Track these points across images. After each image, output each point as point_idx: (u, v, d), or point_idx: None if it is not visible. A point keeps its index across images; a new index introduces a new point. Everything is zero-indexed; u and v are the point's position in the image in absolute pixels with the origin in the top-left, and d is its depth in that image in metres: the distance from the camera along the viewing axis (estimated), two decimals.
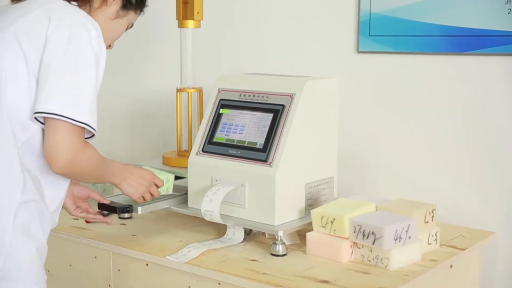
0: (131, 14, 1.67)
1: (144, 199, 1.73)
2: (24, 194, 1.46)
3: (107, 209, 1.82)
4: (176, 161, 2.00)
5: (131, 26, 1.72)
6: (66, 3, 1.54)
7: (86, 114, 1.44)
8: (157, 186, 1.75)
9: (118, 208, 1.78)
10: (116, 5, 1.62)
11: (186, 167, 1.85)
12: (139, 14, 1.71)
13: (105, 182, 1.69)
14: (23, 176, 1.46)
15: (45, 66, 1.43)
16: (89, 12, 1.57)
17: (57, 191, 1.56)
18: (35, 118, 1.44)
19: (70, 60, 1.44)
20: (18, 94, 1.45)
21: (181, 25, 2.00)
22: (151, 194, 1.74)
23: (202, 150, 1.82)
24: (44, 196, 1.52)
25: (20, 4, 1.55)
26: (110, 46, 1.68)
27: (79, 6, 1.56)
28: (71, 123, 1.42)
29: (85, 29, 1.46)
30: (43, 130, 1.46)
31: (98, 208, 1.81)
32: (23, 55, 1.45)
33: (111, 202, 1.82)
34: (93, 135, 1.49)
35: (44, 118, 1.43)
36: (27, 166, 1.48)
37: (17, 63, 1.45)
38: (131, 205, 1.79)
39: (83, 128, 1.45)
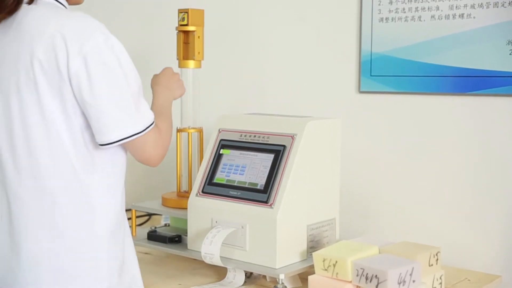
0: None
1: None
2: None
3: (156, 239, 1.92)
4: (175, 202, 1.98)
5: None
6: (52, 8, 1.49)
7: (145, 117, 1.48)
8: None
9: (168, 238, 1.91)
10: None
11: (186, 208, 1.83)
12: None
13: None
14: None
15: (83, 101, 1.41)
16: None
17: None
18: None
19: (103, 86, 1.41)
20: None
21: (181, 65, 2.00)
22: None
23: (202, 191, 1.80)
24: None
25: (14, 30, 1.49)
26: None
27: None
28: (142, 135, 1.47)
29: (93, 41, 1.41)
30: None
31: (148, 238, 1.95)
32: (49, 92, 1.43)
33: (159, 232, 1.95)
34: None
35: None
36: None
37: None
38: (180, 235, 1.91)
39: (153, 128, 1.50)
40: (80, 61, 1.40)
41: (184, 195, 2.00)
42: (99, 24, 1.46)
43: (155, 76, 1.78)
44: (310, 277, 1.66)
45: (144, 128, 1.47)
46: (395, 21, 2.05)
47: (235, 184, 1.76)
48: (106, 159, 1.50)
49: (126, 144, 1.48)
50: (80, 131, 1.45)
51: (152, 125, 1.49)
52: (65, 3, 1.55)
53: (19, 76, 1.44)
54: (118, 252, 1.52)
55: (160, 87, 1.74)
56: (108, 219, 1.49)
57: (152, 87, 1.75)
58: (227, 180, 1.78)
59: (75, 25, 1.43)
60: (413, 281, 1.57)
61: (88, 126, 1.46)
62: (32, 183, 1.45)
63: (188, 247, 1.83)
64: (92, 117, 1.43)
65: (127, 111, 1.45)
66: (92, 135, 1.46)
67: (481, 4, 1.91)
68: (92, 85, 1.40)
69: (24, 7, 1.48)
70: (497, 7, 1.88)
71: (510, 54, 1.87)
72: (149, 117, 1.49)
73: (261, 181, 1.72)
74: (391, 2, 2.05)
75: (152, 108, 1.60)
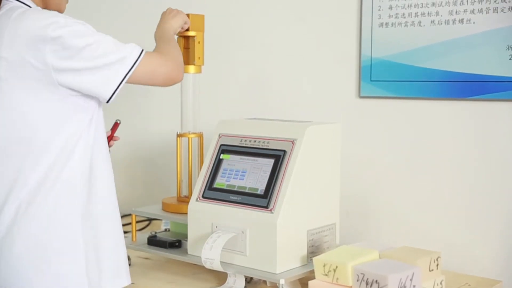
0: None
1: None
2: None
3: (156, 244, 1.91)
4: (175, 207, 1.98)
5: None
6: (17, 9, 1.53)
7: (134, 45, 1.55)
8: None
9: (168, 243, 1.89)
10: None
11: (186, 213, 1.83)
12: None
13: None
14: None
15: (72, 76, 1.47)
16: None
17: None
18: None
19: (79, 50, 1.47)
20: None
21: None
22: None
23: (202, 196, 1.80)
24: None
25: None
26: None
27: None
28: (141, 61, 1.53)
29: (55, 25, 1.46)
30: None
31: (148, 243, 1.94)
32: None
33: (159, 237, 1.95)
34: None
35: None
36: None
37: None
38: (180, 240, 1.90)
39: (145, 52, 1.56)
40: (50, 45, 1.45)
41: (184, 200, 2.00)
42: (56, 12, 1.53)
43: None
44: (310, 282, 1.66)
45: (135, 60, 1.53)
46: (395, 26, 2.05)
47: (235, 189, 1.76)
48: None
49: (136, 80, 1.55)
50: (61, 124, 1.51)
51: (142, 53, 1.55)
52: (30, 3, 1.58)
53: None
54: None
55: (156, 28, 1.82)
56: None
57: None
58: (227, 185, 1.78)
59: (33, 18, 1.49)
60: (414, 286, 1.56)
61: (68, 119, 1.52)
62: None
63: (188, 252, 1.83)
64: (85, 83, 1.49)
65: (111, 59, 1.50)
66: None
67: (481, 9, 1.91)
68: (71, 56, 1.46)
69: None
70: (497, 12, 1.89)
71: (510, 59, 1.87)
72: (133, 49, 1.54)
73: (261, 186, 1.72)
74: (391, 7, 2.05)
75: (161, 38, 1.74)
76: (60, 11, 1.65)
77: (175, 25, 1.85)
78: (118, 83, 1.52)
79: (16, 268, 1.48)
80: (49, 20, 1.47)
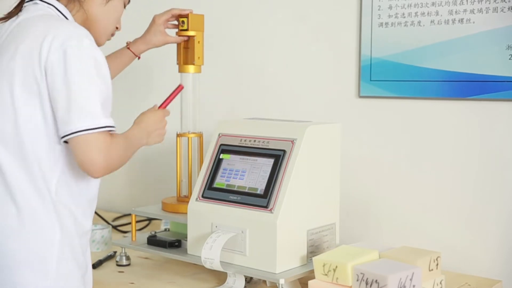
0: None
1: None
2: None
3: (156, 243, 1.91)
4: (175, 207, 1.98)
5: (128, 2, 1.72)
6: (52, 16, 1.55)
7: (102, 118, 1.46)
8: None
9: (168, 242, 1.89)
10: None
11: (186, 213, 1.83)
12: None
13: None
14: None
15: (52, 91, 1.45)
16: (80, 8, 1.59)
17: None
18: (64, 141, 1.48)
19: (72, 76, 1.45)
20: (36, 132, 1.48)
21: (181, 70, 2.00)
22: None
23: (202, 196, 1.80)
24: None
25: (9, 33, 1.55)
26: (117, 28, 1.70)
27: (67, 5, 1.58)
28: (90, 134, 1.44)
29: (77, 40, 1.47)
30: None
31: (148, 243, 1.93)
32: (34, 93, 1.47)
33: (159, 237, 1.94)
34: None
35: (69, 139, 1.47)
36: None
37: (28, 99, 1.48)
38: (180, 240, 1.90)
39: (104, 132, 1.47)
40: (60, 53, 1.44)
41: (184, 200, 2.00)
42: (87, 32, 1.51)
43: (143, 113, 1.70)
44: (310, 282, 1.66)
45: (100, 126, 1.46)
46: (394, 26, 2.05)
47: (235, 189, 1.76)
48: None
49: (75, 143, 1.46)
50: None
51: (108, 129, 1.47)
52: (68, 15, 1.59)
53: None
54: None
55: (140, 127, 1.65)
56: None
57: (134, 122, 1.67)
58: (227, 185, 1.78)
59: (63, 28, 1.50)
60: (413, 286, 1.56)
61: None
62: None
63: (188, 252, 1.83)
64: (59, 106, 1.45)
65: (92, 106, 1.46)
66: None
67: (481, 9, 1.91)
68: (66, 74, 1.44)
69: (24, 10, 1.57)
70: (497, 12, 1.89)
71: (509, 59, 1.87)
72: (108, 120, 1.48)
73: (261, 186, 1.72)
74: (390, 7, 2.05)
75: (128, 134, 1.61)
76: (98, 42, 1.61)
77: (150, 144, 1.69)
78: (78, 130, 1.44)
79: None
80: (75, 35, 1.47)
